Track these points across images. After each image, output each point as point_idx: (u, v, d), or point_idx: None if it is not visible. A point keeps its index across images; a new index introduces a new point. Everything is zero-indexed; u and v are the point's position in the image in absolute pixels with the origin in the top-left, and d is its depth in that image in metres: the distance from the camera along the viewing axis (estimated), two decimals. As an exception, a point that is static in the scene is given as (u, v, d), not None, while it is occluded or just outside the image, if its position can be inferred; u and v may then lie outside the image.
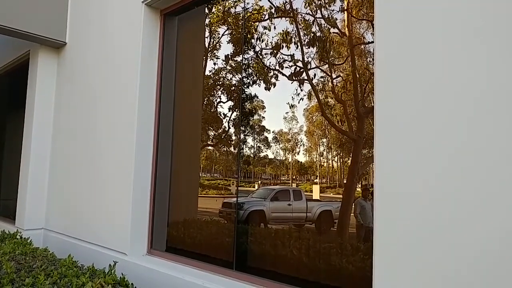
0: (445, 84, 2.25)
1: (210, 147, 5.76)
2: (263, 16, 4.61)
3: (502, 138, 2.05)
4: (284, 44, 4.48)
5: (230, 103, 5.21)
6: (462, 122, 2.18)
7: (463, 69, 2.20)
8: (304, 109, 4.48)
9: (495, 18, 2.12)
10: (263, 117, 4.97)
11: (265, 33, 4.60)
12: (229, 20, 5.05)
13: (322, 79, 4.34)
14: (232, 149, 5.54)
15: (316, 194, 4.72)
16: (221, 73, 5.25)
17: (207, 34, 5.27)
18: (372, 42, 3.78)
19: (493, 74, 2.10)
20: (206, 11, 5.15)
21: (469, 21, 2.21)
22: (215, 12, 5.13)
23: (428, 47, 2.35)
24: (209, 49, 5.34)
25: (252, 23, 4.66)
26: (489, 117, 2.09)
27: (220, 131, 5.43)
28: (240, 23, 4.82)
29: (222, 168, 5.76)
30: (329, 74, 4.32)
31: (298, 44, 4.37)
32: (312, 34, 4.32)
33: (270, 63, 4.61)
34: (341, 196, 4.40)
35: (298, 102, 4.37)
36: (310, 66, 4.32)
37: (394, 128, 2.45)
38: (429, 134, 2.29)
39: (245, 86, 4.66)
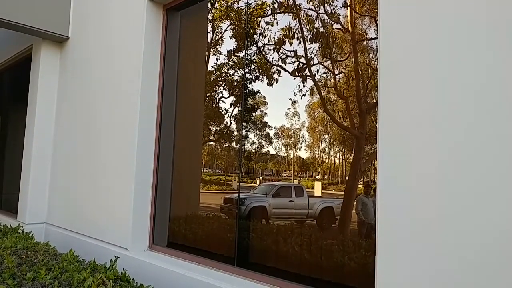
0: (448, 80, 2.24)
1: (212, 143, 5.75)
2: (266, 11, 4.60)
3: (502, 137, 2.04)
4: (287, 40, 4.46)
5: (232, 98, 5.20)
6: (464, 119, 2.17)
7: (466, 67, 2.19)
8: (306, 105, 4.47)
9: (504, 17, 2.10)
10: (265, 113, 4.97)
11: (267, 28, 4.58)
12: (232, 15, 5.03)
13: (324, 75, 4.33)
14: (234, 144, 5.54)
15: (318, 191, 4.71)
16: (224, 68, 5.24)
17: (209, 29, 5.25)
18: (375, 38, 3.78)
19: (495, 74, 2.09)
20: (209, 6, 5.14)
21: (474, 18, 2.19)
22: (217, 7, 5.12)
23: (431, 43, 2.33)
24: (212, 44, 5.33)
25: (255, 19, 4.65)
26: (490, 115, 2.08)
27: (222, 126, 5.42)
28: (242, 18, 4.80)
29: (224, 163, 5.76)
30: (332, 70, 4.31)
31: (301, 39, 4.36)
32: (315, 30, 4.31)
33: (272, 58, 4.60)
34: (343, 192, 4.39)
35: (301, 98, 4.36)
36: (313, 62, 4.31)
37: (397, 124, 2.44)
38: (431, 131, 2.28)
39: (248, 81, 4.65)
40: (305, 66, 4.34)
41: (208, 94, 5.40)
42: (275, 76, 4.57)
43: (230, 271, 3.74)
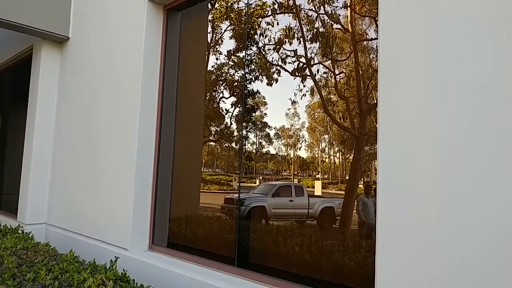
0: (448, 80, 2.24)
1: (212, 143, 5.75)
2: (266, 11, 4.59)
3: (501, 138, 2.04)
4: (287, 40, 4.46)
5: (233, 98, 5.19)
6: (464, 119, 2.16)
7: (466, 67, 2.18)
8: (306, 105, 4.46)
9: (504, 18, 2.10)
10: (265, 113, 4.97)
11: (268, 28, 4.58)
12: (232, 16, 5.03)
13: (324, 75, 4.32)
14: (234, 144, 5.54)
15: (318, 190, 4.70)
16: (224, 68, 5.24)
17: (209, 29, 5.25)
18: (375, 38, 3.77)
19: (495, 74, 2.08)
20: (209, 6, 5.13)
21: (475, 18, 2.19)
22: (217, 7, 5.11)
23: (431, 43, 2.33)
24: (212, 44, 5.33)
25: (255, 19, 4.64)
26: (490, 115, 2.08)
27: (222, 126, 5.42)
28: (243, 18, 4.80)
29: (224, 163, 5.75)
30: (332, 70, 4.30)
31: (301, 39, 4.35)
32: (315, 30, 4.30)
33: (272, 58, 4.59)
34: (343, 192, 4.38)
35: (301, 98, 4.35)
36: (313, 62, 4.30)
37: (397, 125, 2.44)
38: (431, 131, 2.28)
39: (248, 81, 4.64)
40: (305, 66, 4.34)
41: (208, 94, 5.40)
42: (275, 76, 4.57)
43: (230, 272, 3.74)
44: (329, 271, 3.51)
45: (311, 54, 4.29)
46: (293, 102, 4.43)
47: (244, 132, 4.77)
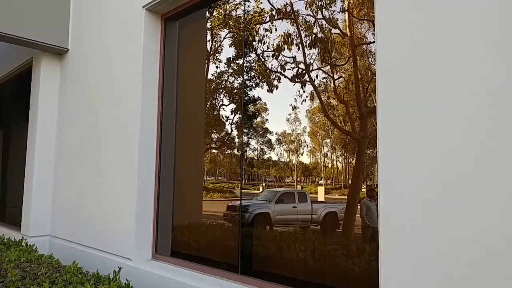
0: (447, 82, 2.24)
1: (213, 150, 5.75)
2: (264, 18, 4.60)
3: (499, 139, 2.03)
4: (286, 46, 4.46)
5: (233, 105, 5.19)
6: (463, 121, 2.16)
7: (464, 69, 2.18)
8: (307, 110, 4.46)
9: (499, 19, 2.10)
10: (266, 119, 4.96)
11: (266, 35, 4.58)
12: (230, 23, 5.04)
13: (324, 80, 4.32)
14: (235, 151, 5.53)
15: (321, 196, 4.69)
16: (223, 76, 5.24)
17: (208, 37, 5.26)
18: (374, 42, 3.78)
19: (493, 77, 2.08)
20: (207, 14, 5.15)
21: (471, 20, 2.19)
22: (216, 15, 5.13)
23: (428, 46, 2.33)
24: (211, 52, 5.33)
25: (253, 26, 4.65)
26: (488, 118, 2.07)
27: (223, 134, 5.42)
28: (241, 26, 4.81)
29: (226, 171, 5.74)
30: (331, 75, 4.30)
31: (300, 45, 4.35)
32: (314, 36, 4.31)
33: (272, 65, 4.60)
34: (346, 197, 4.37)
35: (301, 104, 4.35)
36: (312, 67, 4.30)
37: (396, 127, 2.43)
38: (431, 132, 2.27)
39: (248, 88, 4.64)
40: (304, 71, 4.34)
41: (209, 102, 5.40)
42: (275, 82, 4.57)
43: (234, 279, 3.73)
44: (333, 276, 3.49)
45: (310, 59, 4.29)
46: (294, 108, 4.43)
47: (245, 138, 4.77)
